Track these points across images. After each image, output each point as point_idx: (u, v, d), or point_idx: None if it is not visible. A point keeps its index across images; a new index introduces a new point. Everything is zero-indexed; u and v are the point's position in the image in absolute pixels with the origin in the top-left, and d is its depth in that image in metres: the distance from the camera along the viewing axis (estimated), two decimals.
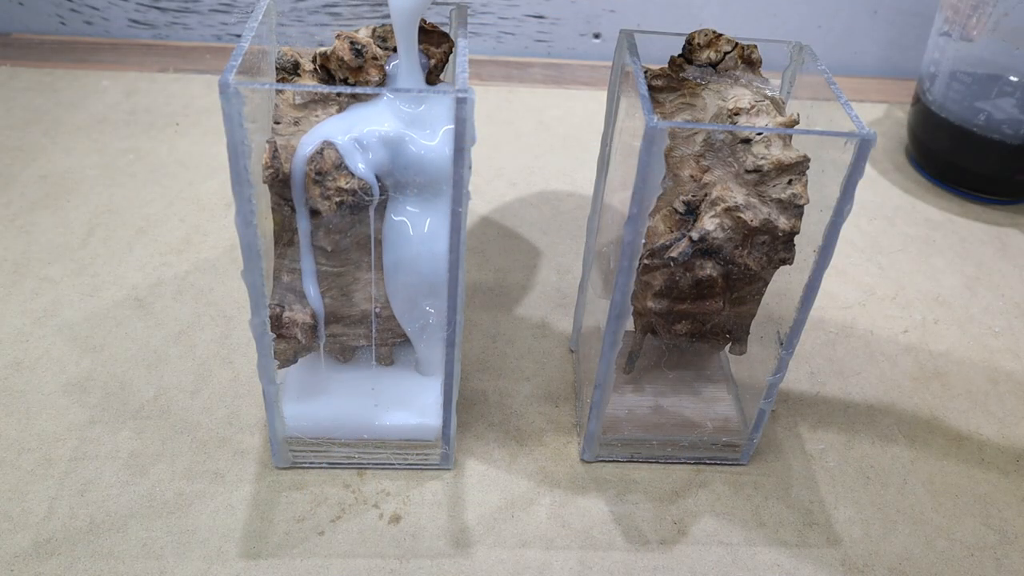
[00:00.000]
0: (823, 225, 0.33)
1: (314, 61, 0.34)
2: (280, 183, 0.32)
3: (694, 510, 0.39)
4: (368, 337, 0.38)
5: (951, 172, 0.63)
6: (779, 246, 0.35)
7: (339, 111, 0.33)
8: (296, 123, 0.33)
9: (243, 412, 0.41)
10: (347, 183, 0.32)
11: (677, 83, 0.36)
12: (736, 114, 0.34)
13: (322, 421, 0.38)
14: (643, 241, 0.32)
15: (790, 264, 0.35)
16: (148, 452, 0.39)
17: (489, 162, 0.61)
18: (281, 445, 0.38)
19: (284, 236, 0.34)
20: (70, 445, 0.39)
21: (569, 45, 0.78)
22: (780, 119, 0.34)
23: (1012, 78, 0.59)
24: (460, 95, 0.29)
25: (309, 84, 0.34)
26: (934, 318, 0.51)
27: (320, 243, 0.34)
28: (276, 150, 0.32)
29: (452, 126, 0.30)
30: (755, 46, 0.36)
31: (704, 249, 0.34)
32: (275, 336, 0.35)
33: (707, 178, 0.34)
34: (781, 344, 0.36)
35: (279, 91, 0.33)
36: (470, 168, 0.31)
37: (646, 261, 0.35)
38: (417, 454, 0.39)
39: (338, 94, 0.33)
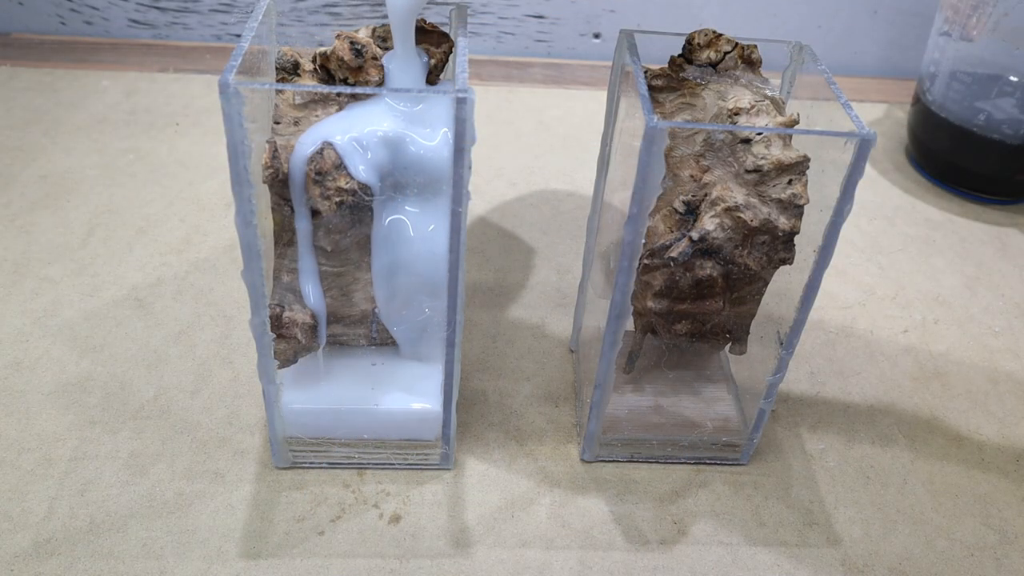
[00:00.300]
0: (823, 225, 0.33)
1: (314, 61, 0.34)
2: (280, 183, 0.32)
3: (694, 510, 0.39)
4: (368, 337, 0.38)
5: (951, 172, 0.63)
6: (779, 246, 0.35)
7: (339, 111, 0.33)
8: (296, 123, 0.33)
9: (243, 412, 0.41)
10: (347, 183, 0.32)
11: (677, 83, 0.36)
12: (736, 114, 0.34)
13: (321, 416, 0.38)
14: (643, 241, 0.32)
15: (790, 264, 0.35)
16: (148, 452, 0.39)
17: (489, 162, 0.61)
18: (281, 445, 0.38)
19: (284, 236, 0.34)
20: (70, 445, 0.39)
21: (569, 45, 0.78)
22: (780, 119, 0.34)
23: (1012, 78, 0.59)
24: (460, 95, 0.29)
25: (309, 84, 0.34)
26: (934, 318, 0.51)
27: (320, 243, 0.34)
28: (276, 150, 0.32)
29: (452, 126, 0.30)
30: (755, 46, 0.36)
31: (704, 249, 0.34)
32: (275, 336, 0.35)
33: (707, 178, 0.34)
34: (781, 344, 0.36)
35: (279, 91, 0.33)
36: (470, 168, 0.31)
37: (646, 261, 0.35)
38: (417, 454, 0.39)
39: (338, 94, 0.33)
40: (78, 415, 0.41)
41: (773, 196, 0.34)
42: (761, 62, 0.36)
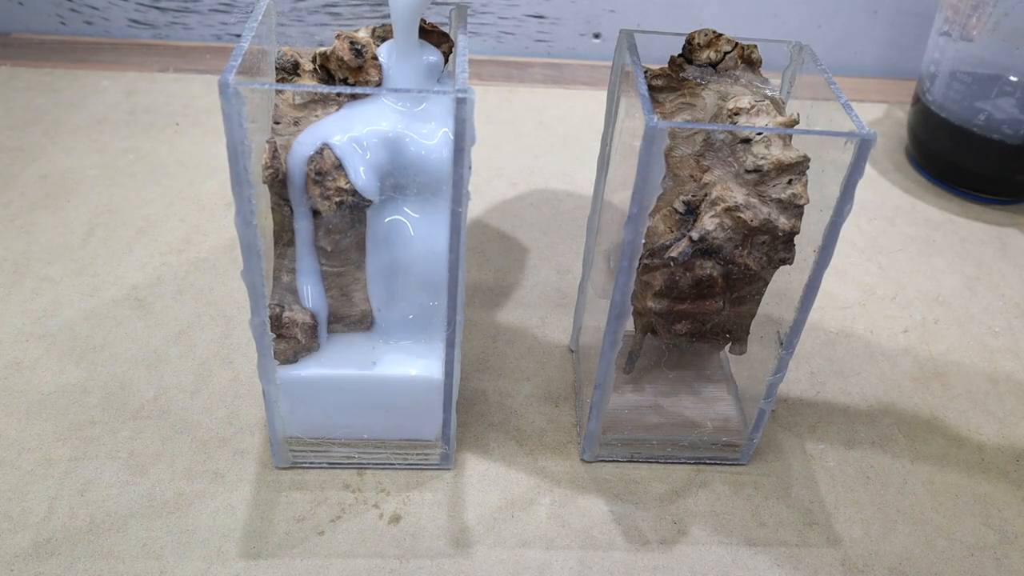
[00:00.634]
0: (823, 225, 0.33)
1: (314, 61, 0.34)
2: (280, 183, 0.32)
3: (694, 510, 0.39)
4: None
5: (951, 172, 0.63)
6: (779, 246, 0.35)
7: (339, 111, 0.33)
8: (296, 123, 0.33)
9: (243, 412, 0.41)
10: (347, 183, 0.32)
11: (677, 83, 0.36)
12: (736, 114, 0.34)
13: (316, 384, 0.36)
14: (643, 241, 0.32)
15: (790, 264, 0.35)
16: (148, 452, 0.39)
17: (489, 162, 0.61)
18: (281, 445, 0.38)
19: (284, 236, 0.34)
20: (70, 445, 0.39)
21: (569, 45, 0.78)
22: (780, 119, 0.34)
23: (1012, 78, 0.59)
24: (460, 95, 0.29)
25: (309, 84, 0.34)
26: (934, 318, 0.51)
27: (320, 243, 0.34)
28: (276, 150, 0.32)
29: (452, 126, 0.30)
30: (755, 46, 0.36)
31: (704, 249, 0.34)
32: (275, 336, 0.35)
33: (707, 178, 0.34)
34: (781, 344, 0.36)
35: (279, 91, 0.33)
36: (470, 168, 0.31)
37: (646, 261, 0.35)
38: (417, 454, 0.39)
39: (338, 94, 0.33)
40: (78, 415, 0.41)
41: (773, 196, 0.34)
42: (761, 62, 0.36)
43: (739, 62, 0.36)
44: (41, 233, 0.51)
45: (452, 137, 0.30)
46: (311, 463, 0.39)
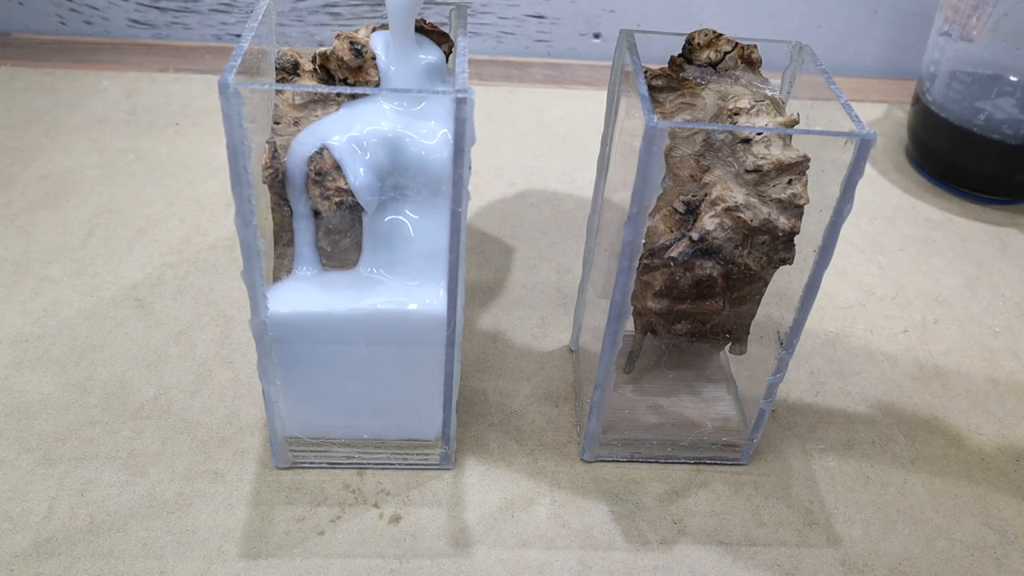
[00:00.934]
0: (823, 225, 0.32)
1: (314, 61, 0.34)
2: (280, 183, 0.32)
3: (694, 510, 0.39)
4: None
5: (951, 172, 0.63)
6: (779, 246, 0.35)
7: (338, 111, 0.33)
8: (296, 123, 0.33)
9: (243, 412, 0.41)
10: (347, 183, 0.32)
11: (677, 83, 0.36)
12: (736, 114, 0.34)
13: (308, 321, 0.34)
14: (643, 241, 0.32)
15: (790, 264, 0.35)
16: (148, 452, 0.39)
17: (489, 162, 0.61)
18: (281, 445, 0.38)
19: (284, 236, 0.34)
20: (70, 445, 0.39)
21: (569, 45, 0.78)
22: (780, 119, 0.34)
23: (1012, 78, 0.59)
24: (460, 95, 0.29)
25: (309, 84, 0.34)
26: (934, 318, 0.51)
27: (320, 243, 0.34)
28: (276, 150, 0.32)
29: (452, 126, 0.30)
30: (755, 46, 0.36)
31: (704, 249, 0.34)
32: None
33: (707, 178, 0.34)
34: (781, 344, 0.36)
35: (279, 91, 0.33)
36: (470, 168, 0.31)
37: (646, 261, 0.35)
38: (417, 454, 0.39)
39: (338, 94, 0.33)
40: (78, 415, 0.41)
41: (773, 196, 0.34)
42: (761, 62, 0.36)
43: (739, 62, 0.36)
44: (41, 233, 0.51)
45: (452, 137, 0.30)
46: (311, 463, 0.39)
